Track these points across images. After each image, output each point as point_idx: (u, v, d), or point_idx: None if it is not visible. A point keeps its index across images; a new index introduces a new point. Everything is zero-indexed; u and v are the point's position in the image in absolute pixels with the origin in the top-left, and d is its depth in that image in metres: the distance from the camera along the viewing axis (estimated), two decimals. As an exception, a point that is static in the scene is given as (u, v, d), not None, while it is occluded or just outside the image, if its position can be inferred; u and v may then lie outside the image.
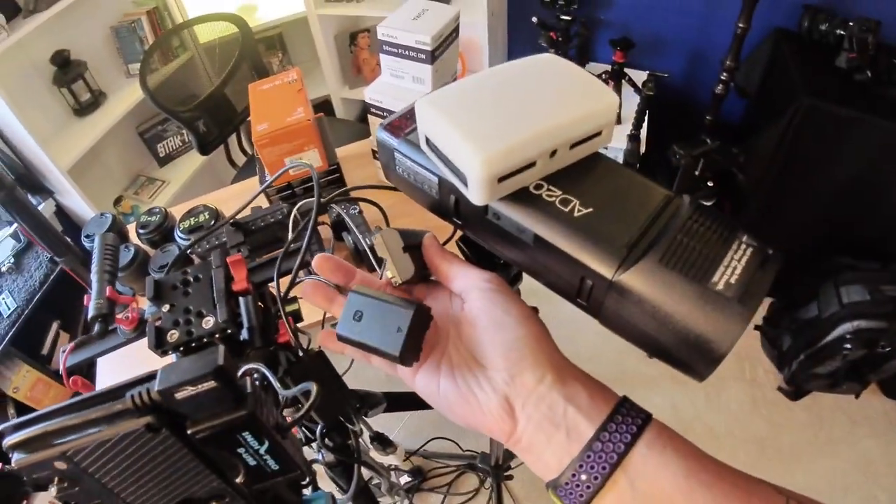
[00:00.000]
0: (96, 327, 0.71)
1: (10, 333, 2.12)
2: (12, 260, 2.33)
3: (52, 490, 0.45)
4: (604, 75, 2.56)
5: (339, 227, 1.34)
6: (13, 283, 2.26)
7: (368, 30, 2.96)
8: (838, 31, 2.04)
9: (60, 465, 0.43)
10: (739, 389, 2.33)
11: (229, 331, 0.59)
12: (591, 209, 0.48)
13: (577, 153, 0.52)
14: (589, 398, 0.45)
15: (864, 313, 1.93)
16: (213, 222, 1.41)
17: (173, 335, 0.59)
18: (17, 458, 0.43)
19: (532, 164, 0.49)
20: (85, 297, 0.73)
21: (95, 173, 2.71)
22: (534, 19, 2.53)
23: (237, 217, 0.95)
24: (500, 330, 0.49)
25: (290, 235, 0.86)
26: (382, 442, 1.62)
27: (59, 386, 2.32)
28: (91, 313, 0.71)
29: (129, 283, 1.55)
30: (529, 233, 0.49)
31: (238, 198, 1.60)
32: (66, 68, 2.52)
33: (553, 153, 0.50)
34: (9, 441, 0.43)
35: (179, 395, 0.41)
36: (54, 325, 2.38)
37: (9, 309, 2.17)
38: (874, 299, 1.94)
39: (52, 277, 2.27)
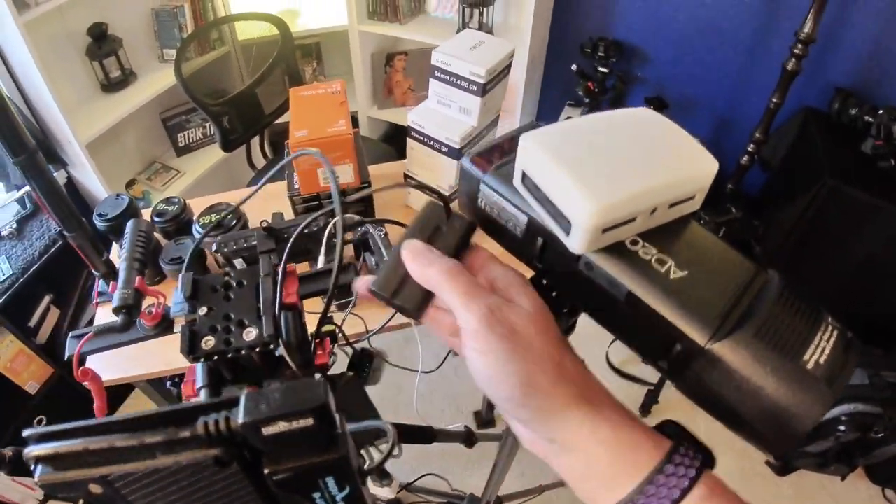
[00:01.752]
0: (119, 318, 0.67)
1: (1, 300, 2.08)
2: (14, 225, 2.30)
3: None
4: (634, 132, 2.57)
5: (362, 245, 1.31)
6: (11, 249, 2.23)
7: (406, 53, 2.97)
8: (867, 118, 2.07)
9: (95, 488, 0.38)
10: (729, 459, 2.32)
11: (271, 346, 0.56)
12: (685, 272, 0.48)
13: (671, 213, 0.51)
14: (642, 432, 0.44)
15: (862, 397, 1.93)
16: (234, 222, 1.38)
17: (208, 341, 0.56)
18: (42, 473, 0.37)
19: (633, 220, 0.48)
20: (111, 283, 0.70)
21: (112, 151, 2.68)
22: (573, 67, 2.54)
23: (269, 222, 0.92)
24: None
25: (322, 249, 0.84)
26: (381, 473, 1.59)
27: (40, 361, 2.27)
28: (116, 303, 0.68)
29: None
30: (623, 288, 0.48)
31: (261, 200, 1.57)
32: (101, 42, 2.50)
33: (653, 211, 0.48)
34: (34, 452, 0.37)
35: (267, 431, 0.36)
36: (46, 299, 2.33)
37: (2, 274, 2.13)
38: (873, 384, 1.94)
39: (52, 250, 2.24)
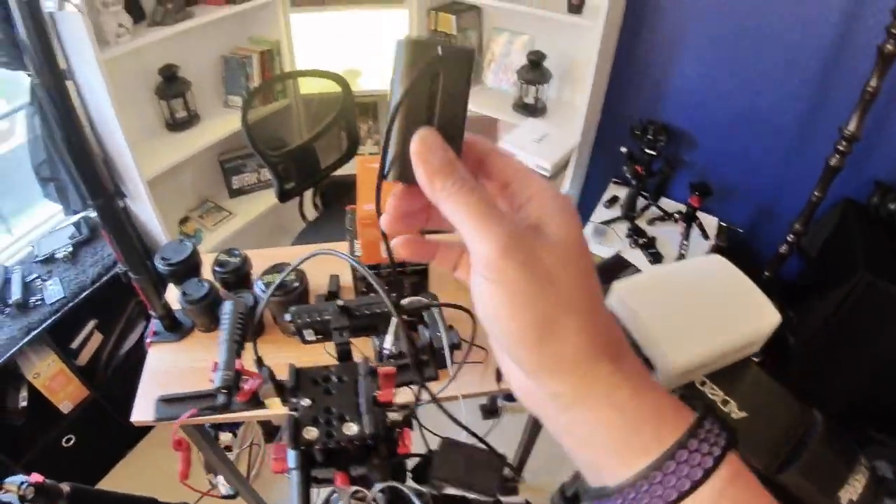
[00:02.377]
0: (220, 398, 0.73)
1: (49, 322, 2.15)
2: (70, 249, 2.39)
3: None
4: (677, 215, 2.63)
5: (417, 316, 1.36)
6: (64, 272, 2.31)
7: (460, 119, 3.05)
8: None
9: None
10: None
11: (370, 442, 0.61)
12: (745, 413, 0.55)
13: (736, 356, 0.58)
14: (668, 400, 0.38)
15: (889, 491, 1.92)
16: (296, 284, 1.44)
17: (311, 432, 0.62)
18: None
19: (705, 365, 0.55)
20: (213, 364, 0.76)
21: (169, 187, 2.78)
22: (623, 149, 2.61)
23: (343, 301, 0.98)
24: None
25: (390, 329, 0.90)
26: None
27: (78, 382, 2.35)
28: (218, 384, 0.74)
29: (193, 315, 1.58)
30: None
31: (321, 264, 1.64)
32: (171, 83, 2.62)
33: (724, 356, 0.55)
34: None
35: None
36: (91, 324, 2.41)
37: (54, 297, 2.21)
38: None
39: (104, 279, 2.31)
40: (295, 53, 2.88)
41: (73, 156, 1.29)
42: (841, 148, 2.02)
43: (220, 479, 2.03)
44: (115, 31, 2.23)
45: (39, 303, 2.20)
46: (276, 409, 0.74)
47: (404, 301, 0.96)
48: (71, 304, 2.22)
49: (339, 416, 0.63)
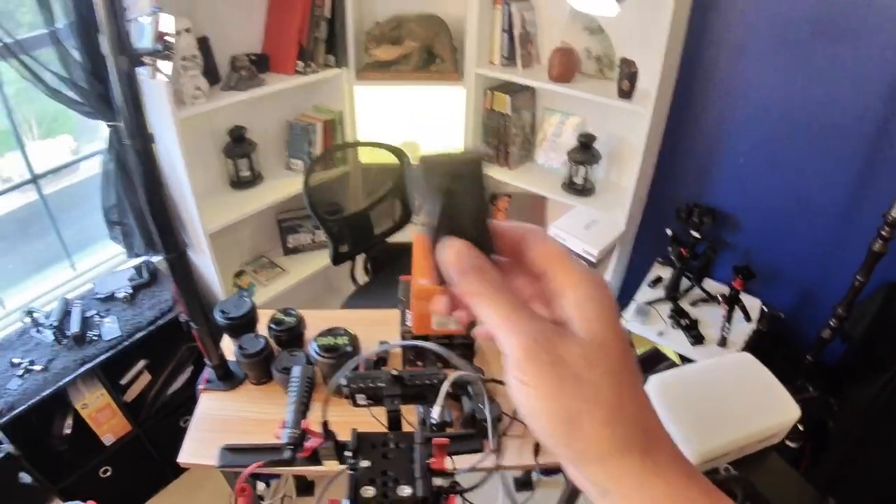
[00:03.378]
0: (286, 453, 0.81)
1: (103, 357, 2.26)
2: (130, 291, 2.50)
3: None
4: (720, 297, 2.67)
5: (460, 388, 1.43)
6: (122, 312, 2.42)
7: (510, 195, 3.16)
8: None
9: None
10: None
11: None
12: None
13: (757, 446, 0.65)
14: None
15: None
16: (349, 349, 1.53)
17: (368, 491, 0.69)
18: None
19: (727, 454, 0.62)
20: (281, 423, 0.83)
21: (227, 241, 2.91)
22: (668, 231, 2.67)
23: (397, 371, 1.06)
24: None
25: (439, 400, 0.96)
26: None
27: (122, 417, 2.44)
28: (284, 440, 0.82)
29: (246, 368, 1.67)
30: None
31: (368, 323, 1.72)
32: (238, 143, 2.78)
33: (744, 447, 0.63)
34: None
35: None
36: (141, 363, 2.51)
37: (111, 335, 2.32)
38: None
39: (159, 322, 2.41)
40: (357, 123, 3.03)
41: (153, 212, 1.41)
42: (884, 233, 2.04)
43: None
44: (192, 93, 2.39)
45: (96, 338, 2.31)
46: (333, 467, 0.81)
47: (454, 376, 1.04)
48: (126, 343, 2.32)
49: (394, 478, 0.70)
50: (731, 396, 0.64)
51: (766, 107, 2.48)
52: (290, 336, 1.68)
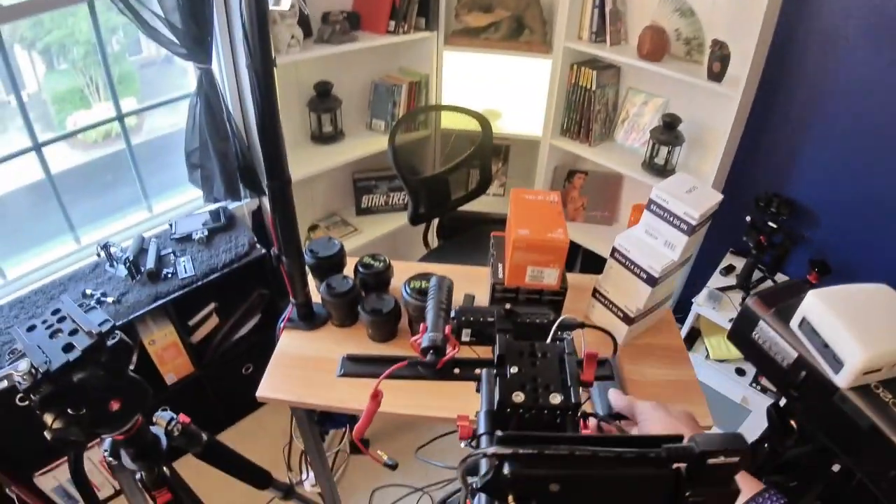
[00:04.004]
0: (429, 357, 0.80)
1: (176, 295, 2.28)
2: (205, 233, 2.52)
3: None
4: (792, 290, 2.60)
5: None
6: (198, 253, 2.45)
7: (587, 172, 3.13)
8: None
9: (555, 487, 0.47)
10: None
11: (570, 412, 0.66)
12: None
13: None
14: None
15: None
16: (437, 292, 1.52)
17: (518, 396, 0.67)
18: (512, 469, 0.47)
19: (881, 369, 0.61)
20: (421, 325, 0.82)
21: (304, 195, 2.94)
22: (748, 218, 2.62)
23: (508, 305, 1.04)
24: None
25: (549, 339, 0.94)
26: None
27: (186, 358, 2.48)
28: (426, 343, 0.81)
29: (332, 308, 1.67)
30: (868, 421, 0.63)
31: (462, 280, 1.71)
32: (324, 98, 2.79)
33: (893, 366, 0.61)
34: (502, 451, 0.48)
35: (711, 461, 0.46)
36: (211, 306, 2.54)
37: (185, 273, 2.34)
38: None
39: (234, 266, 2.43)
40: (442, 88, 3.02)
41: (264, 136, 1.41)
42: None
43: (311, 476, 2.09)
44: (288, 41, 2.41)
45: (170, 275, 2.34)
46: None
47: (563, 317, 1.01)
48: (198, 284, 2.34)
49: (544, 385, 0.68)
50: (882, 314, 0.65)
51: (857, 100, 2.39)
52: (378, 280, 1.68)
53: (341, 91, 2.85)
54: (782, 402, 0.79)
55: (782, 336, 0.71)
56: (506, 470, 0.47)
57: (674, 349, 1.67)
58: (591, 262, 3.16)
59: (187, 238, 2.52)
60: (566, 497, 0.48)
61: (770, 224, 2.57)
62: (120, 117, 2.46)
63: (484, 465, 0.51)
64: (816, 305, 0.68)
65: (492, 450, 0.48)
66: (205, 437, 1.31)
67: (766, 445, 0.89)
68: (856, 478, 0.71)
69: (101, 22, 2.23)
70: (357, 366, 0.90)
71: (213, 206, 2.67)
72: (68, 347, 0.88)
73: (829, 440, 0.70)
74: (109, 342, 0.93)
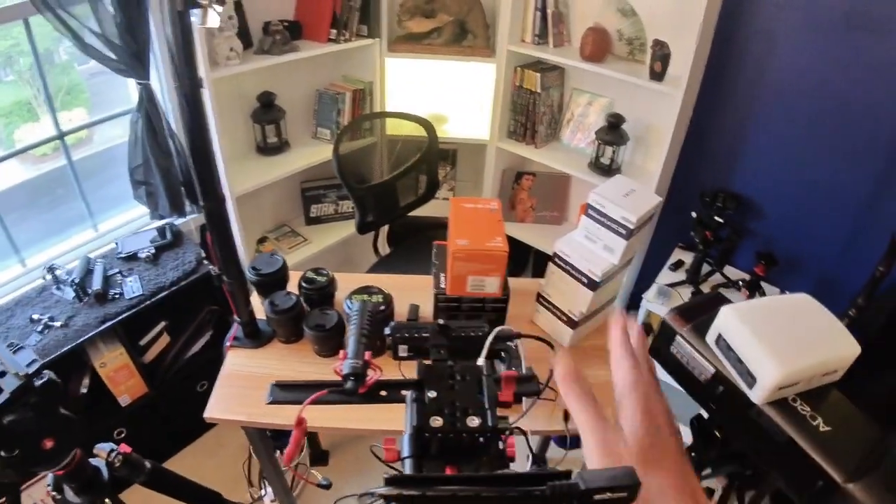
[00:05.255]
0: (349, 384, 0.80)
1: (123, 315, 2.24)
2: (153, 251, 2.48)
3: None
4: (740, 282, 2.69)
5: (492, 354, 1.42)
6: (145, 272, 2.41)
7: (535, 174, 3.16)
8: None
9: None
10: None
11: (489, 434, 0.67)
12: (830, 428, 0.63)
13: (821, 381, 0.66)
14: None
15: None
16: (383, 307, 1.52)
17: (436, 420, 0.68)
18: None
19: (797, 383, 0.63)
20: (341, 352, 0.83)
21: (251, 207, 2.91)
22: (693, 214, 2.68)
23: (441, 321, 1.05)
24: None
25: (484, 352, 0.95)
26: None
27: (139, 379, 2.43)
28: (346, 371, 0.81)
29: (276, 325, 1.66)
30: (784, 436, 0.65)
31: (400, 289, 1.72)
32: (267, 109, 2.77)
33: (811, 379, 0.64)
34: (388, 492, 0.48)
35: (598, 497, 0.47)
36: (161, 325, 2.50)
37: (133, 293, 2.30)
38: None
39: (182, 283, 2.40)
40: (386, 95, 3.02)
41: (195, 157, 1.40)
42: None
43: (270, 491, 2.08)
44: (227, 54, 2.39)
45: (118, 296, 2.29)
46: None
47: (497, 329, 1.02)
48: (147, 303, 2.30)
49: (462, 409, 0.69)
50: (798, 330, 0.67)
51: (795, 95, 2.47)
52: (321, 295, 1.67)
53: (285, 101, 2.83)
54: (705, 414, 0.81)
55: (699, 351, 0.73)
56: (394, 512, 0.48)
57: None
58: (543, 263, 3.17)
59: (133, 257, 2.48)
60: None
61: (716, 219, 2.63)
62: (61, 135, 2.42)
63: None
64: (731, 321, 0.69)
65: (380, 490, 0.48)
66: (148, 464, 1.29)
67: (692, 454, 0.91)
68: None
69: (47, 32, 2.20)
70: (285, 392, 0.90)
71: (159, 223, 2.63)
72: None
73: (748, 450, 0.73)
74: (37, 382, 0.92)
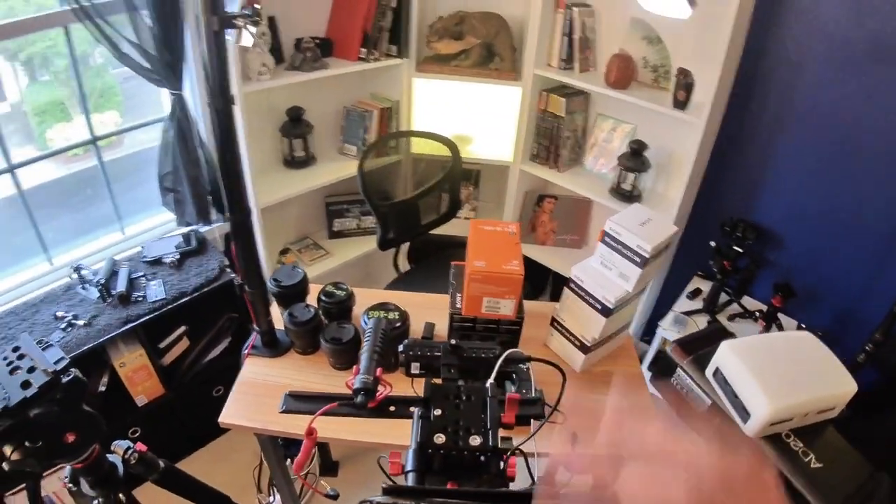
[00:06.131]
0: (359, 398, 0.83)
1: (145, 318, 2.29)
2: (178, 257, 2.54)
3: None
4: (757, 314, 2.69)
5: (503, 376, 1.45)
6: (168, 277, 2.46)
7: (556, 197, 3.19)
8: None
9: None
10: None
11: (490, 454, 0.70)
12: (821, 465, 0.66)
13: (817, 417, 0.69)
14: None
15: None
16: (399, 324, 1.55)
17: (440, 438, 0.71)
18: None
19: (791, 419, 0.66)
20: (354, 367, 0.86)
21: (276, 218, 2.96)
22: (712, 243, 2.69)
23: (454, 340, 1.08)
24: None
25: (493, 373, 0.98)
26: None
27: (157, 380, 2.47)
28: (357, 385, 0.84)
29: (294, 336, 1.70)
30: (776, 469, 0.66)
31: (416, 306, 1.75)
32: (296, 124, 2.84)
33: (805, 415, 0.67)
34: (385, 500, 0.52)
35: None
36: (181, 329, 2.55)
37: (155, 296, 2.35)
38: None
39: (205, 289, 2.45)
40: (412, 114, 3.07)
41: (224, 171, 1.45)
42: None
43: (278, 498, 2.11)
44: (259, 69, 2.45)
45: (140, 299, 2.35)
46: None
47: (508, 351, 1.05)
48: (169, 307, 2.35)
49: (465, 428, 0.72)
50: (796, 364, 0.70)
51: (819, 127, 2.47)
52: (340, 309, 1.71)
53: (313, 116, 2.89)
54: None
55: (697, 383, 0.77)
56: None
57: (631, 377, 1.71)
58: (562, 286, 3.19)
59: (158, 261, 2.53)
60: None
61: (735, 248, 2.63)
62: (94, 140, 2.49)
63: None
64: (729, 356, 0.73)
65: (377, 499, 0.52)
66: (162, 464, 1.33)
67: None
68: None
69: (84, 36, 2.26)
70: (298, 403, 0.94)
71: (184, 230, 2.69)
72: (26, 384, 0.91)
73: None
74: (64, 379, 0.96)
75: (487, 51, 2.90)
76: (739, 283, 2.77)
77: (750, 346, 0.72)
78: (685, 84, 2.45)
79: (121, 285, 2.35)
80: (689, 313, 2.73)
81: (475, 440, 0.71)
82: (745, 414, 0.69)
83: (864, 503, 0.64)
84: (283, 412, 0.95)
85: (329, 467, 2.72)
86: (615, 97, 2.69)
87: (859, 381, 2.39)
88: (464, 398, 0.77)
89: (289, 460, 2.30)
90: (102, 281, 2.34)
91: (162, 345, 2.52)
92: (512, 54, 2.89)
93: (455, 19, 2.81)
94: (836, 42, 2.30)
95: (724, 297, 2.80)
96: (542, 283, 3.45)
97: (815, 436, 0.69)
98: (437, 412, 0.74)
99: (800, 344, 0.74)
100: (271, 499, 2.24)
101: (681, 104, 2.49)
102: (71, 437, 1.01)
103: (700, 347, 0.78)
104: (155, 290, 2.38)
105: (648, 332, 3.01)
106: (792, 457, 0.67)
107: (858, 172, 2.45)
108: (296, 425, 1.53)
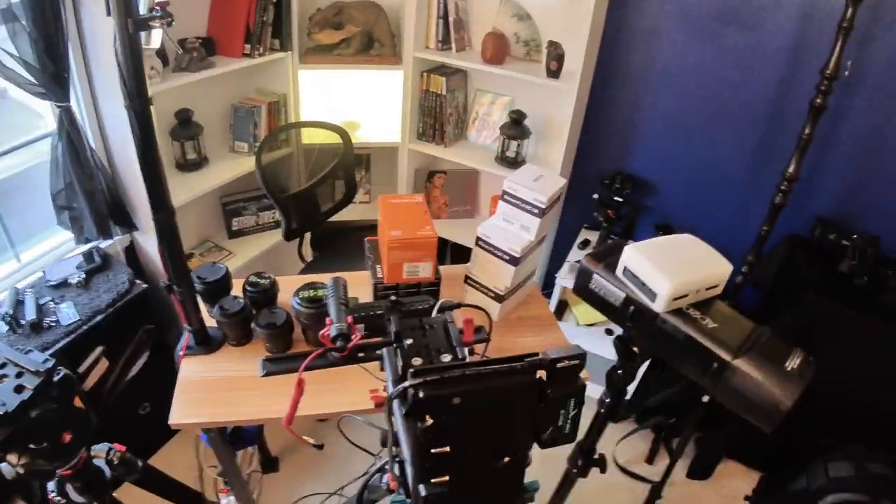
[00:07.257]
0: (339, 342, 0.95)
1: (63, 342, 2.26)
2: (83, 276, 2.49)
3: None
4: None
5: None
6: (78, 297, 2.41)
7: (445, 172, 3.36)
8: (843, 242, 2.46)
9: (456, 400, 0.69)
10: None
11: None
12: (717, 324, 0.87)
13: (707, 294, 0.92)
14: None
15: (849, 487, 2.14)
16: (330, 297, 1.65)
17: (417, 360, 0.85)
18: (425, 391, 0.68)
19: (687, 295, 0.87)
20: (327, 319, 0.98)
21: (174, 224, 2.94)
22: (595, 196, 2.96)
23: (393, 297, 1.20)
24: None
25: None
26: None
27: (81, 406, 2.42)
28: (334, 333, 0.96)
29: (227, 329, 1.76)
30: (683, 333, 0.91)
31: (349, 283, 1.84)
32: (185, 126, 2.83)
33: (698, 291, 0.88)
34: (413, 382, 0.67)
35: (559, 365, 0.67)
36: (98, 350, 2.50)
37: (69, 318, 2.31)
38: (859, 475, 2.17)
39: (118, 305, 2.43)
40: (300, 106, 3.14)
41: (146, 172, 1.48)
42: (783, 188, 2.35)
43: (232, 499, 2.14)
44: (148, 73, 2.43)
45: (54, 324, 2.29)
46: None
47: (441, 301, 1.19)
48: (85, 327, 2.32)
49: (436, 349, 0.86)
50: (685, 255, 0.93)
51: (678, 84, 2.78)
52: (266, 297, 1.79)
53: (201, 117, 2.90)
54: (623, 334, 1.04)
55: (611, 282, 0.97)
56: (420, 394, 0.66)
57: (543, 318, 1.91)
58: (459, 254, 3.41)
59: (64, 283, 2.47)
60: (466, 407, 0.71)
61: (616, 199, 2.89)
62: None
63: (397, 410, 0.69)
64: (633, 254, 0.94)
65: (408, 382, 0.66)
66: (140, 463, 1.38)
67: (619, 371, 1.14)
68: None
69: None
70: (276, 364, 1.04)
71: (84, 248, 2.63)
72: (19, 389, 0.96)
73: (660, 354, 0.95)
74: (55, 377, 1.01)
75: (368, 38, 3.01)
76: (623, 229, 3.04)
77: (648, 245, 0.94)
78: (556, 55, 2.66)
79: (29, 313, 2.28)
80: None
81: (446, 357, 0.85)
82: (652, 295, 0.90)
83: (752, 347, 0.85)
84: (265, 375, 1.05)
85: (269, 463, 2.77)
86: (492, 72, 2.87)
87: (741, 302, 2.72)
88: (427, 328, 0.91)
89: (238, 454, 2.34)
90: (10, 312, 2.27)
91: (81, 370, 2.47)
92: (391, 40, 3.01)
93: (334, 10, 2.90)
94: (688, 8, 2.60)
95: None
96: (440, 254, 3.59)
97: (708, 306, 0.91)
98: (409, 341, 0.88)
99: (686, 242, 0.97)
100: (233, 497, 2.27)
101: (554, 74, 2.70)
102: (67, 437, 1.06)
103: (609, 255, 1.00)
104: (67, 313, 2.33)
105: (548, 286, 3.22)
106: (693, 321, 0.88)
107: (716, 121, 2.77)
108: (245, 412, 1.61)
